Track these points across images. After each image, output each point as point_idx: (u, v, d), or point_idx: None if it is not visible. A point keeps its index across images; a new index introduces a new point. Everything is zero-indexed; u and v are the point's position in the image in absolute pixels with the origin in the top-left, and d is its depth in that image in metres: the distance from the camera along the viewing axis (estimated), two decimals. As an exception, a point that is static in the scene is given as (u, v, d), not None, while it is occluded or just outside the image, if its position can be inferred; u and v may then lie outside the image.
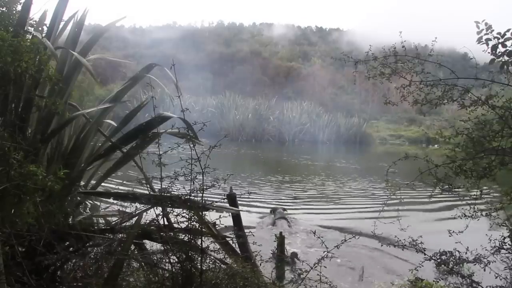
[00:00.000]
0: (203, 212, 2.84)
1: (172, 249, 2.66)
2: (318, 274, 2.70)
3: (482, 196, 3.22)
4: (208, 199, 2.75)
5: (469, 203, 3.19)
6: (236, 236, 3.23)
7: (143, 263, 2.92)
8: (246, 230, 3.62)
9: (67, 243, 3.08)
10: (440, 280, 3.40)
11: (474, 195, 3.18)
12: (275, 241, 3.93)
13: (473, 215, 3.12)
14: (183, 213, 2.71)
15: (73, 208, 3.29)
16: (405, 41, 3.25)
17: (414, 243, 3.27)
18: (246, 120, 36.48)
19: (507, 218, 3.21)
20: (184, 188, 2.78)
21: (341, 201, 12.45)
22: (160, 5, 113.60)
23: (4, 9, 2.83)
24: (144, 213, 3.03)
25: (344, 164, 22.54)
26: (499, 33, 2.80)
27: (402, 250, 3.31)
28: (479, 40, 2.86)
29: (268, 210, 9.51)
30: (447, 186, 3.17)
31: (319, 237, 2.83)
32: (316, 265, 2.72)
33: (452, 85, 3.25)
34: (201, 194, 2.67)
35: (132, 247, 3.03)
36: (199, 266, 2.64)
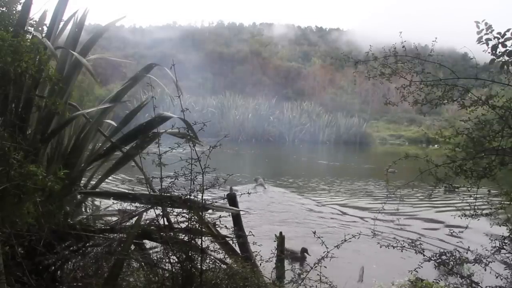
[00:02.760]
0: (203, 212, 2.84)
1: (172, 249, 2.66)
2: (318, 274, 2.70)
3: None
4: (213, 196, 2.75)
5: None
6: (236, 236, 3.22)
7: (143, 263, 2.92)
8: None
9: (67, 243, 3.08)
10: (440, 280, 3.40)
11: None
12: (275, 241, 3.92)
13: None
14: (183, 213, 2.71)
15: (73, 208, 3.29)
16: (405, 41, 3.25)
17: (413, 244, 3.28)
18: (246, 120, 36.50)
19: (508, 218, 3.21)
20: (184, 188, 2.78)
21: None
22: (160, 5, 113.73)
23: (4, 9, 2.83)
24: (144, 213, 3.04)
25: (353, 165, 22.56)
26: (499, 33, 2.80)
27: (401, 251, 3.31)
28: (479, 40, 2.86)
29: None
30: (448, 186, 3.18)
31: (319, 237, 2.83)
32: (316, 265, 2.72)
33: (452, 85, 3.25)
34: (201, 194, 2.67)
35: (132, 247, 3.03)
36: (199, 266, 2.64)
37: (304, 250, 6.32)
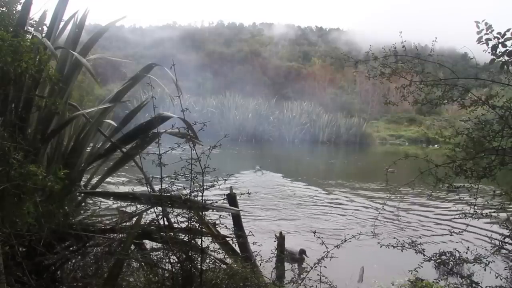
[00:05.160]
0: (203, 212, 2.84)
1: (172, 249, 2.66)
2: (318, 274, 2.70)
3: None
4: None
5: None
6: (236, 236, 3.22)
7: (143, 263, 2.92)
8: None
9: (67, 243, 3.08)
10: (440, 280, 3.40)
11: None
12: (275, 241, 3.93)
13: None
14: (183, 213, 2.71)
15: (73, 208, 3.29)
16: (405, 41, 3.25)
17: (413, 244, 3.28)
18: (246, 120, 36.45)
19: (507, 218, 3.21)
20: (184, 188, 2.78)
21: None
22: (160, 5, 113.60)
23: (4, 9, 2.82)
24: (144, 213, 3.03)
25: (363, 165, 22.50)
26: (499, 33, 2.80)
27: (402, 251, 3.31)
28: (479, 40, 2.86)
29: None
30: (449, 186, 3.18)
31: (319, 237, 2.83)
32: (316, 265, 2.73)
33: (452, 85, 3.25)
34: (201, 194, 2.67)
35: (132, 247, 3.03)
36: (199, 266, 2.64)
37: (302, 252, 6.29)
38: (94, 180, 3.77)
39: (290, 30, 68.66)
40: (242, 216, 3.79)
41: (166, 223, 2.91)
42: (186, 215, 2.70)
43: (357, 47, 44.05)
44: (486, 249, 3.19)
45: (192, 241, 2.69)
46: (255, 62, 53.73)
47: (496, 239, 3.14)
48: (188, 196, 2.69)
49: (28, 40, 2.80)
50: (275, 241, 3.94)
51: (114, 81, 33.68)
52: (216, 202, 2.94)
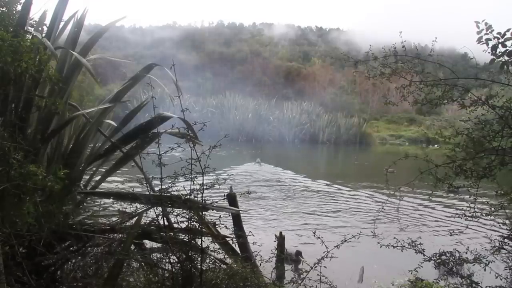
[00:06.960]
0: (203, 212, 2.84)
1: (172, 249, 2.66)
2: (318, 274, 2.70)
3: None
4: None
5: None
6: (236, 236, 3.22)
7: (143, 263, 2.92)
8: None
9: (67, 243, 3.08)
10: (440, 280, 3.40)
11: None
12: (275, 241, 3.93)
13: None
14: (183, 213, 2.71)
15: (73, 208, 3.29)
16: (405, 41, 3.25)
17: (413, 244, 3.28)
18: (246, 120, 36.44)
19: (507, 218, 3.21)
20: (184, 188, 2.78)
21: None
22: (160, 5, 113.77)
23: (4, 9, 2.82)
24: (144, 213, 3.03)
25: (368, 164, 22.46)
26: (499, 33, 2.80)
27: (401, 251, 3.31)
28: (479, 40, 2.86)
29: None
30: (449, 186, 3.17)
31: (319, 237, 2.84)
32: (316, 265, 2.73)
33: (452, 85, 3.25)
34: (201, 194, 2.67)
35: (132, 247, 3.02)
36: (199, 266, 2.64)
37: (298, 253, 6.28)
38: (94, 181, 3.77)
39: (290, 30, 68.70)
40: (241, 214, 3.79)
41: (166, 223, 2.91)
42: (186, 215, 2.70)
43: (357, 47, 44.11)
44: (486, 249, 3.19)
45: (192, 241, 2.69)
46: (255, 62, 53.76)
47: (497, 234, 3.14)
48: (188, 196, 2.69)
49: (28, 40, 2.79)
50: (275, 241, 3.94)
51: (114, 81, 33.71)
52: (216, 202, 2.94)
